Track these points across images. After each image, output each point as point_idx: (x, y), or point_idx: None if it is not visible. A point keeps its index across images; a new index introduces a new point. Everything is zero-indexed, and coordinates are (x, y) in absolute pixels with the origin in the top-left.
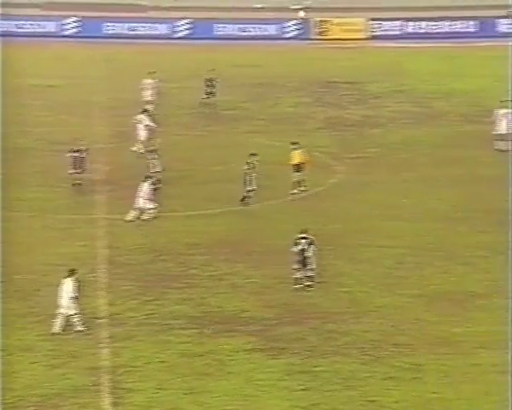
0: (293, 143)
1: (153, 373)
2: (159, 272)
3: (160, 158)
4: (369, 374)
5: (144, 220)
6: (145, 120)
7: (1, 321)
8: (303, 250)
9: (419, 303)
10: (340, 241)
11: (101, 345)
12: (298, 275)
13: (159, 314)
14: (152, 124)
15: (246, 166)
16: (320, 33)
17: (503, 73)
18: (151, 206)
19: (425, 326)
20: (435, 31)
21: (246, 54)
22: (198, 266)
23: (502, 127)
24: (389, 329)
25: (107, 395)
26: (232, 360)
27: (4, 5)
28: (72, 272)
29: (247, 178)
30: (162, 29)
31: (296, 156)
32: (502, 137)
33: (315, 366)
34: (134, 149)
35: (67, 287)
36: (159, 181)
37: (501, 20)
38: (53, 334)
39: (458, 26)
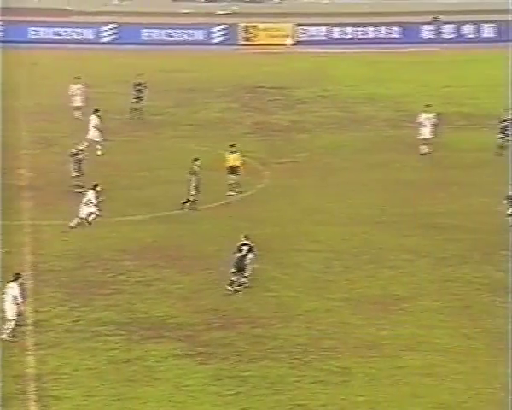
0: (231, 146)
1: (80, 380)
2: (86, 278)
3: (83, 163)
4: (297, 378)
5: (90, 223)
6: (95, 119)
7: None
8: (243, 256)
9: (346, 307)
10: (268, 246)
11: (27, 352)
12: (233, 278)
13: (86, 321)
14: (99, 124)
15: (189, 171)
16: (247, 39)
17: (427, 78)
18: (93, 210)
19: (352, 330)
20: (360, 36)
21: (173, 59)
22: (126, 272)
23: (425, 132)
24: (317, 333)
25: (33, 404)
26: (160, 365)
27: None
28: (17, 276)
29: (191, 183)
30: (88, 34)
31: (232, 159)
32: (425, 142)
33: (243, 371)
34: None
35: (13, 291)
36: (78, 186)
37: (424, 26)
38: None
39: (382, 32)
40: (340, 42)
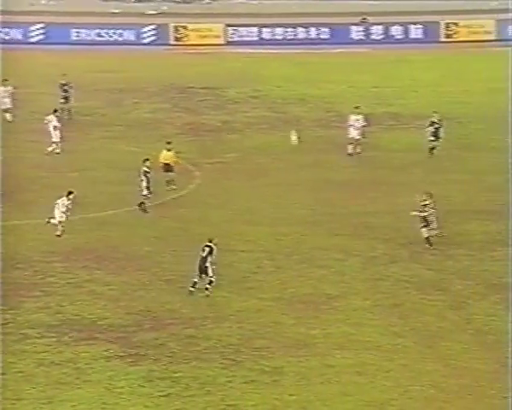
0: (168, 143)
1: (10, 384)
2: (14, 280)
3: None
4: (228, 378)
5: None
6: (54, 120)
7: None
8: (204, 258)
9: (277, 307)
10: (199, 246)
11: None
12: (195, 279)
13: (15, 323)
14: (59, 124)
15: (139, 172)
16: (177, 39)
17: (356, 79)
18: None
19: (283, 329)
20: (290, 37)
21: (103, 59)
22: (56, 274)
23: (354, 133)
24: (248, 333)
25: None
26: (91, 367)
27: None
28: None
29: (142, 183)
30: (15, 34)
31: (166, 156)
32: (353, 142)
33: (175, 372)
34: (50, 149)
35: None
36: None
37: (353, 27)
38: None
39: (312, 33)
40: (271, 42)
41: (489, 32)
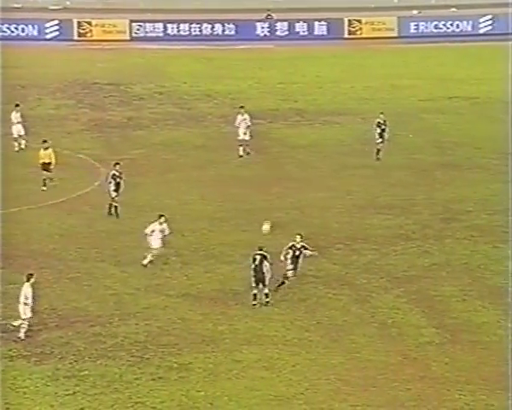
0: (44, 142)
1: None
2: None
3: None
4: (136, 376)
5: None
6: (17, 115)
7: None
8: (258, 267)
9: (184, 303)
10: (105, 243)
11: None
12: (255, 291)
13: None
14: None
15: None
16: (81, 34)
17: (262, 75)
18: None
19: (190, 326)
20: (196, 33)
21: (5, 55)
22: None
23: (241, 133)
24: (156, 330)
25: None
26: None
27: None
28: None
29: (110, 186)
30: None
31: (44, 155)
32: (242, 143)
33: (81, 371)
34: (15, 144)
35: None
36: None
37: (258, 23)
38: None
39: (217, 29)
40: (176, 38)
41: (391, 29)
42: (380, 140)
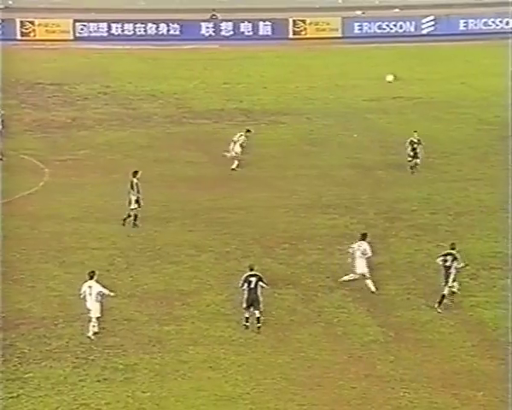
0: None
1: None
2: None
3: None
4: (81, 377)
5: None
6: None
7: None
8: (253, 289)
9: (130, 304)
10: (49, 244)
11: None
12: (247, 314)
13: None
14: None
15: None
16: (24, 34)
17: (207, 75)
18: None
19: (136, 326)
20: (140, 33)
21: None
22: None
23: (237, 148)
24: (101, 331)
25: None
26: None
27: None
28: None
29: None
30: None
31: None
32: (236, 157)
33: (25, 373)
34: None
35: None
36: None
37: (203, 23)
38: None
39: (163, 29)
40: (121, 38)
41: (335, 30)
42: (410, 159)
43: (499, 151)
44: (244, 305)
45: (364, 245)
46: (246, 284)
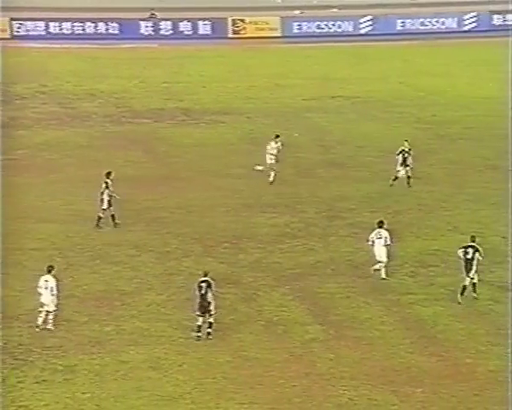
0: None
1: None
2: None
3: None
4: (19, 379)
5: None
6: None
7: None
8: (204, 295)
9: (70, 304)
10: None
11: None
12: (199, 322)
13: None
14: None
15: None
16: None
17: (147, 74)
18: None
19: (76, 327)
20: (79, 32)
21: None
22: None
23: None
24: (40, 332)
25: None
26: None
27: None
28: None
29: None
30: None
31: None
32: (272, 168)
33: None
34: None
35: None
36: None
37: (143, 22)
38: None
39: (101, 28)
40: (59, 37)
41: (274, 29)
42: (399, 169)
43: (437, 150)
44: (197, 312)
45: (383, 233)
46: (197, 290)
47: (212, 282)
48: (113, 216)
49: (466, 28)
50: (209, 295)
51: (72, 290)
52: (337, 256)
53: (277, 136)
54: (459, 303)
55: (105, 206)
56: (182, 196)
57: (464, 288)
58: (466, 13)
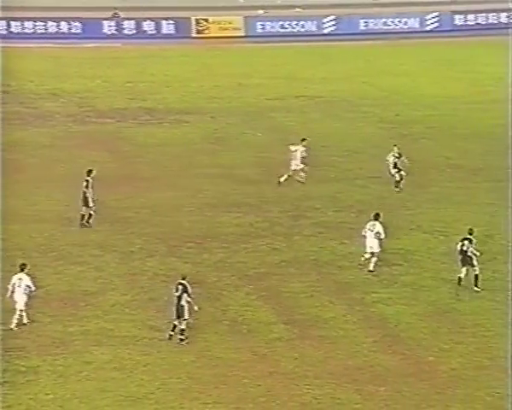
0: None
1: None
2: None
3: None
4: None
5: None
6: None
7: None
8: (179, 297)
9: (33, 305)
10: None
11: None
12: (175, 322)
13: None
14: None
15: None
16: None
17: (110, 74)
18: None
19: (39, 328)
20: (41, 31)
21: None
22: None
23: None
24: (2, 333)
25: None
26: None
27: None
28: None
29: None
30: None
31: None
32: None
33: None
34: None
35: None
36: None
37: (106, 21)
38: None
39: (64, 27)
40: (21, 36)
41: (238, 29)
42: (394, 174)
43: (400, 149)
44: (174, 315)
45: (377, 226)
46: (174, 291)
47: (188, 286)
48: (90, 215)
49: (428, 28)
50: (184, 298)
51: (35, 291)
52: (301, 255)
53: (304, 139)
54: (477, 292)
55: (91, 204)
56: (146, 196)
57: (460, 279)
58: (428, 13)
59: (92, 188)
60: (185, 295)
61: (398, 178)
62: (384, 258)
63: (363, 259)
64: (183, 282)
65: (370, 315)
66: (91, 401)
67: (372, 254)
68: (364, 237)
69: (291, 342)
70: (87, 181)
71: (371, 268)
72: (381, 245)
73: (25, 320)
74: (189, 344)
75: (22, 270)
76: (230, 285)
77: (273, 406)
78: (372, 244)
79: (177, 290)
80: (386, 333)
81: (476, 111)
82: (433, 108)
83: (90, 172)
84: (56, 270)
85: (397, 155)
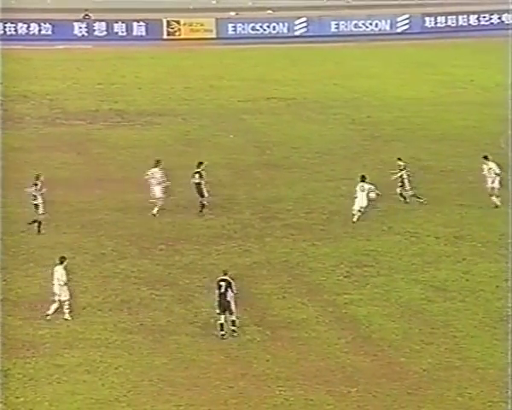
0: None
1: None
2: None
3: None
4: None
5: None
6: None
7: None
8: (223, 294)
9: (3, 308)
10: None
11: None
12: (221, 320)
13: None
14: None
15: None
16: None
17: (80, 76)
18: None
19: (9, 331)
20: (10, 33)
21: None
22: None
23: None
24: None
25: None
26: None
27: None
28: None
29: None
30: None
31: None
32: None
33: None
34: None
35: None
36: None
37: (76, 23)
38: None
39: (34, 29)
40: None
41: (209, 31)
42: (401, 186)
43: (371, 151)
44: (217, 310)
45: (366, 185)
46: (217, 289)
47: (231, 281)
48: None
49: (399, 30)
50: (229, 293)
51: (5, 294)
52: (273, 257)
53: (486, 157)
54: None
55: (41, 210)
56: (117, 198)
57: None
58: (399, 15)
59: (42, 193)
60: (229, 290)
61: (400, 191)
62: (356, 260)
63: (354, 219)
64: (225, 278)
65: (342, 316)
66: (62, 405)
67: (360, 210)
68: (355, 197)
69: (263, 343)
70: (35, 185)
71: (355, 220)
72: (369, 200)
73: (66, 316)
74: (160, 346)
75: (61, 263)
76: (202, 287)
77: (245, 408)
78: (362, 202)
79: (219, 288)
80: (357, 334)
81: (446, 113)
82: (404, 109)
83: (37, 177)
84: (26, 273)
85: (402, 168)
